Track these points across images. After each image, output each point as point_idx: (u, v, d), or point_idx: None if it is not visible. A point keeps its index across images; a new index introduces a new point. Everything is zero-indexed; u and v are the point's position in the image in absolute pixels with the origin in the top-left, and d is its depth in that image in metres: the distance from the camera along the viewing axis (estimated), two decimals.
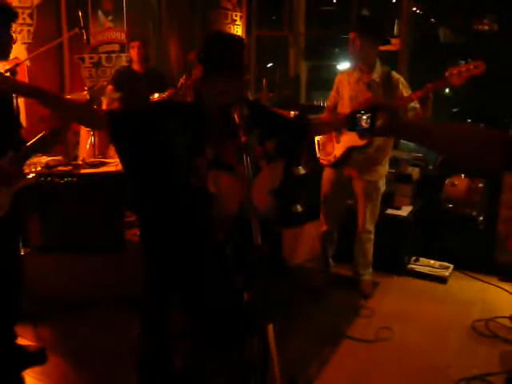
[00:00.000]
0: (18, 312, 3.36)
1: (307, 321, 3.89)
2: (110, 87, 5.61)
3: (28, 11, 5.36)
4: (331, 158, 4.23)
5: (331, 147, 4.22)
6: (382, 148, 4.08)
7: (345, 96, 4.13)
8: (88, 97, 3.41)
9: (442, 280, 4.65)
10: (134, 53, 5.60)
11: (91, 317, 3.86)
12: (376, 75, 3.98)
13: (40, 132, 3.11)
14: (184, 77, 5.13)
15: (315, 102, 8.08)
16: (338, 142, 4.17)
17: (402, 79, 4.00)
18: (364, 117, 2.06)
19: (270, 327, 1.89)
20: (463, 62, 3.33)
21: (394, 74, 4.00)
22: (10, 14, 2.92)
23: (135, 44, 5.58)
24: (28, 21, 5.38)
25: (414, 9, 7.09)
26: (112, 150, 5.11)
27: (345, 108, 4.08)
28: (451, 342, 3.77)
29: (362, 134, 2.20)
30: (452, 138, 1.81)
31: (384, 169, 4.19)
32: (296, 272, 4.67)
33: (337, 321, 3.95)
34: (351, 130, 2.15)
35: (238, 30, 8.15)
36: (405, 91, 3.89)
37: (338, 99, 4.21)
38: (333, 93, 4.26)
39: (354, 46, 3.93)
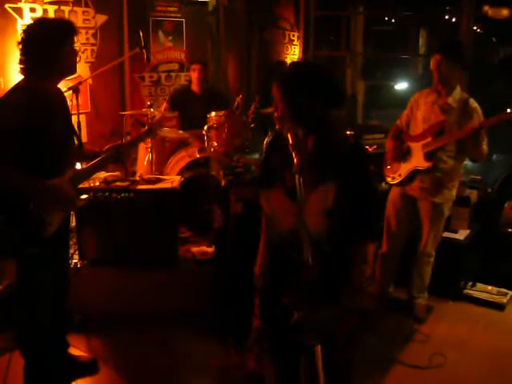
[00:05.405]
0: (68, 321, 3.46)
1: (358, 344, 3.82)
2: (164, 105, 5.74)
3: (92, 31, 5.57)
4: (396, 177, 4.19)
5: (398, 165, 4.18)
6: (449, 172, 4.01)
7: (418, 117, 4.11)
8: (147, 127, 3.50)
9: (500, 307, 4.49)
10: (194, 75, 5.72)
11: (143, 330, 3.91)
12: (452, 100, 3.94)
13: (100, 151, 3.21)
14: (240, 96, 5.18)
15: (372, 122, 8.05)
16: (404, 162, 4.14)
17: (478, 109, 3.93)
18: None
19: (319, 348, 1.87)
20: None
21: (472, 103, 3.93)
22: (71, 29, 2.95)
23: (196, 67, 5.70)
24: (92, 40, 5.58)
25: (475, 28, 6.96)
26: (168, 167, 5.21)
27: (417, 129, 4.08)
28: (507, 372, 3.64)
29: None
30: None
31: (450, 193, 4.09)
32: (351, 294, 4.59)
33: (388, 345, 3.88)
34: None
35: (295, 49, 8.22)
36: (478, 122, 3.82)
37: (410, 118, 4.19)
38: (406, 111, 4.24)
39: (437, 69, 3.91)
